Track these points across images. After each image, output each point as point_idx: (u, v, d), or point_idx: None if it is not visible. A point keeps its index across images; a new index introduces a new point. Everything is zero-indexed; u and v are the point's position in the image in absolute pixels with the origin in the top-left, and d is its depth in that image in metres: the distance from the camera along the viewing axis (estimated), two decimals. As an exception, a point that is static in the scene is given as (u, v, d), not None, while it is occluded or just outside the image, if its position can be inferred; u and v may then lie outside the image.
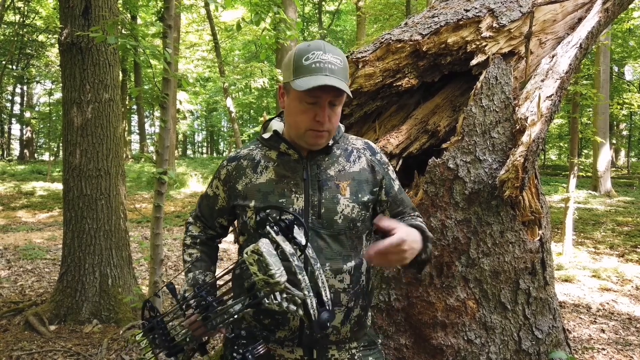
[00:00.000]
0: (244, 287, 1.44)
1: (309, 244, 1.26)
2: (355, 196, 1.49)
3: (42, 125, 26.98)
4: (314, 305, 1.18)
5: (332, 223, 1.44)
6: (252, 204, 1.47)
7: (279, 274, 1.11)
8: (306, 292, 1.17)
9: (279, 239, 1.18)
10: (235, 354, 1.26)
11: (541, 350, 2.36)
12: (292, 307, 1.18)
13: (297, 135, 1.46)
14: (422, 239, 1.38)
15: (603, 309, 4.69)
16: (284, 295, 1.16)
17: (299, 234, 1.23)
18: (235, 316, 1.22)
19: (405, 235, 1.27)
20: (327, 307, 1.22)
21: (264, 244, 1.12)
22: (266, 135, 1.58)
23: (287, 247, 1.17)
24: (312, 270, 1.26)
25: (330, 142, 1.53)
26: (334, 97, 1.39)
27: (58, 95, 23.82)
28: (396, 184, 1.61)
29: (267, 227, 1.19)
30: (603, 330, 4.10)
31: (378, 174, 1.55)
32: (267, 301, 1.16)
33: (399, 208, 1.60)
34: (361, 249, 1.54)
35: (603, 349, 3.68)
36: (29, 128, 26.01)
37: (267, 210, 1.28)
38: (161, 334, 1.36)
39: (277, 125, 1.59)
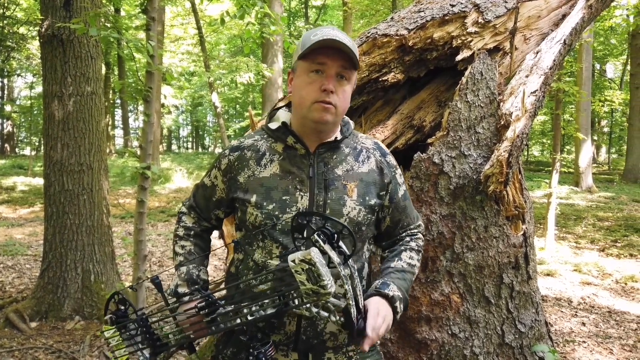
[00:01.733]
0: (240, 287, 1.39)
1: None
2: (362, 198, 1.42)
3: (23, 119, 26.48)
4: (355, 313, 1.19)
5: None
6: (254, 199, 1.39)
7: (330, 285, 1.09)
8: (350, 302, 1.18)
9: (327, 247, 1.15)
10: (250, 357, 1.24)
11: (524, 344, 2.39)
12: (324, 314, 1.17)
13: (303, 115, 1.39)
14: (389, 306, 1.35)
15: (584, 303, 4.76)
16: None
17: (342, 243, 1.21)
18: (256, 321, 1.19)
19: (374, 320, 1.28)
20: (362, 315, 1.24)
21: (316, 254, 1.08)
22: (273, 126, 1.49)
23: (335, 257, 1.16)
24: (352, 278, 1.23)
25: (339, 137, 1.46)
26: (341, 68, 1.35)
27: (39, 88, 23.38)
28: (401, 190, 1.54)
29: (315, 236, 1.15)
30: (584, 324, 4.16)
31: (386, 176, 1.49)
32: (298, 307, 1.15)
33: (400, 216, 1.54)
34: (363, 252, 1.49)
35: (584, 342, 3.74)
36: (9, 122, 25.49)
37: (309, 217, 1.21)
38: (145, 331, 1.28)
39: (284, 115, 1.51)
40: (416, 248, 1.55)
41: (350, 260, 1.22)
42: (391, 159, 1.55)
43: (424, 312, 2.27)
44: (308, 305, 1.13)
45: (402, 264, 1.48)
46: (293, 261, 1.09)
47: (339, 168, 1.43)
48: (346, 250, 1.20)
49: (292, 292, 1.13)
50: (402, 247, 1.53)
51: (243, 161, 1.45)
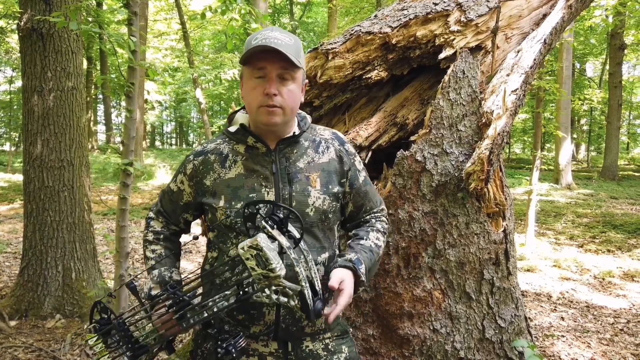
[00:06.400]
0: (216, 283, 1.43)
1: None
2: (325, 187, 1.48)
3: (2, 114, 25.94)
4: (309, 295, 1.22)
5: (303, 216, 1.42)
6: (222, 199, 1.44)
7: (279, 268, 1.12)
8: (303, 284, 1.20)
9: (275, 232, 1.18)
10: (219, 349, 1.26)
11: (504, 339, 2.43)
12: (283, 299, 1.19)
13: (253, 119, 1.45)
14: (353, 277, 1.42)
15: (563, 298, 4.85)
16: (273, 288, 1.17)
17: (292, 227, 1.23)
18: (221, 312, 1.22)
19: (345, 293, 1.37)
20: (320, 297, 1.27)
21: (263, 239, 1.12)
22: (232, 129, 1.54)
23: (284, 241, 1.18)
24: (305, 261, 1.27)
25: (297, 131, 1.51)
26: (282, 70, 1.37)
27: (19, 83, 22.91)
28: (362, 176, 1.60)
29: (262, 222, 1.18)
30: (563, 318, 4.25)
31: (345, 164, 1.55)
32: (257, 295, 1.17)
33: (363, 201, 1.60)
34: (334, 240, 1.55)
35: (563, 336, 3.81)
36: (-12, 117, 24.96)
37: (257, 205, 1.25)
38: (123, 335, 1.30)
39: (243, 118, 1.56)
40: (382, 230, 1.62)
41: (302, 243, 1.26)
42: (349, 147, 1.61)
43: (406, 308, 2.29)
44: (268, 292, 1.17)
45: (371, 243, 1.55)
46: (242, 248, 1.13)
47: (301, 161, 1.49)
48: (296, 235, 1.23)
49: (248, 279, 1.16)
50: (369, 228, 1.60)
51: (208, 165, 1.50)
